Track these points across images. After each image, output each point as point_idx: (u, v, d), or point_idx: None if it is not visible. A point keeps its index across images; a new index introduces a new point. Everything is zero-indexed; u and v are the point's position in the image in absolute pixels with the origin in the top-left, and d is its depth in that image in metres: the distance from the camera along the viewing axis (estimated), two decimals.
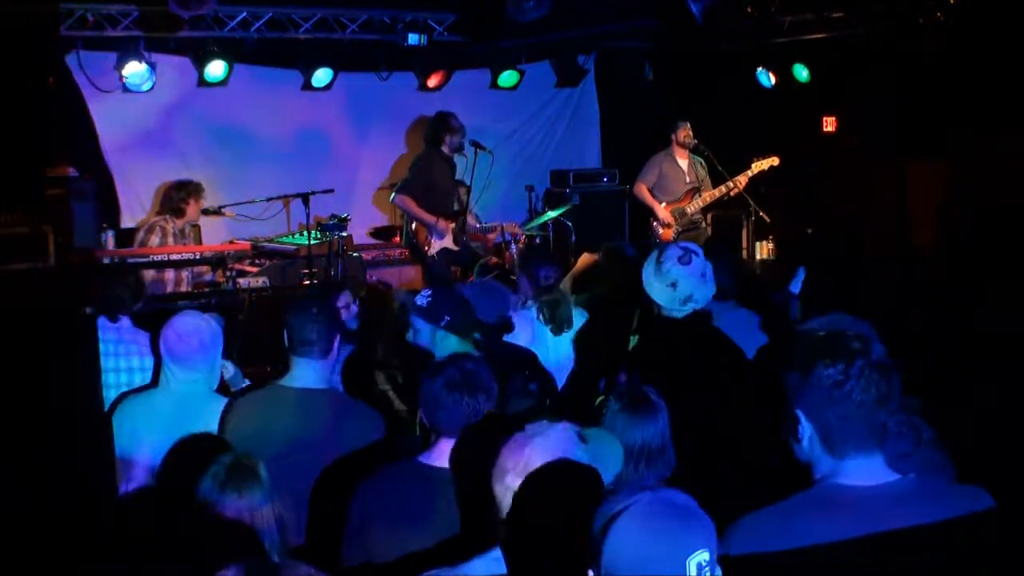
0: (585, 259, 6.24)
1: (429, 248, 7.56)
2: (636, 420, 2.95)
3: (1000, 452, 3.21)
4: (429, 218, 7.49)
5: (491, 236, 8.64)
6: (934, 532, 2.13)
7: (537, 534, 2.14)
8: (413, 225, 7.64)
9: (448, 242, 7.59)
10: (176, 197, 7.69)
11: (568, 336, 4.94)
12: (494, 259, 7.95)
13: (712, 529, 1.86)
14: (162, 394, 3.71)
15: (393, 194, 7.70)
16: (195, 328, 3.70)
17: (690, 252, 3.93)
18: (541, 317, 4.91)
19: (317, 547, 3.21)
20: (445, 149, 7.58)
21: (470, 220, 8.07)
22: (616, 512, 1.83)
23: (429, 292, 4.01)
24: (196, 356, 3.69)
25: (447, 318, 3.91)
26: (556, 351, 4.88)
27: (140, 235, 7.64)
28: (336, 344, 3.64)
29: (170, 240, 7.56)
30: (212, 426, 3.53)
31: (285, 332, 3.57)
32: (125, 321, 4.59)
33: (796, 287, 5.21)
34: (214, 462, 2.59)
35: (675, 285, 3.87)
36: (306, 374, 3.56)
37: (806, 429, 2.24)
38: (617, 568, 1.80)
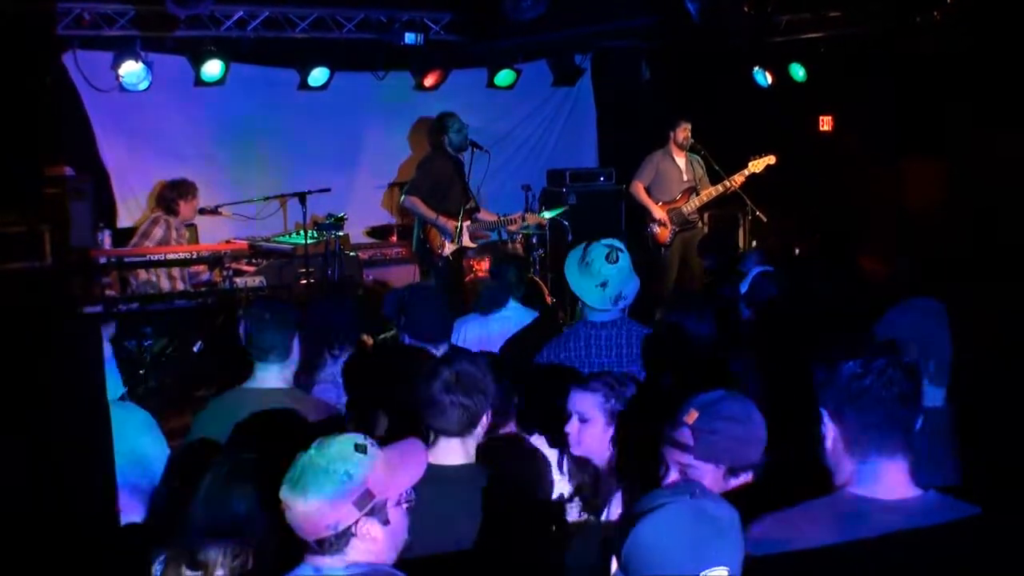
0: None
1: (443, 249, 7.65)
2: None
3: (1002, 452, 3.21)
4: (438, 218, 7.60)
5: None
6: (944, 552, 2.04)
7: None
8: (425, 228, 7.73)
9: (465, 240, 7.72)
10: (169, 196, 7.77)
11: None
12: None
13: (741, 551, 1.84)
14: None
15: (402, 196, 7.79)
16: None
17: (615, 249, 3.90)
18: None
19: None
20: (448, 148, 7.75)
21: (482, 216, 8.12)
22: (654, 507, 1.84)
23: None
24: None
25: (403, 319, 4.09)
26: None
27: (144, 226, 7.68)
28: (294, 345, 3.64)
29: (172, 234, 7.61)
30: None
31: (243, 339, 3.61)
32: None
33: (743, 287, 5.22)
34: (217, 461, 2.59)
35: (605, 285, 3.85)
36: (266, 376, 3.60)
37: (828, 429, 2.17)
38: (632, 559, 1.82)
